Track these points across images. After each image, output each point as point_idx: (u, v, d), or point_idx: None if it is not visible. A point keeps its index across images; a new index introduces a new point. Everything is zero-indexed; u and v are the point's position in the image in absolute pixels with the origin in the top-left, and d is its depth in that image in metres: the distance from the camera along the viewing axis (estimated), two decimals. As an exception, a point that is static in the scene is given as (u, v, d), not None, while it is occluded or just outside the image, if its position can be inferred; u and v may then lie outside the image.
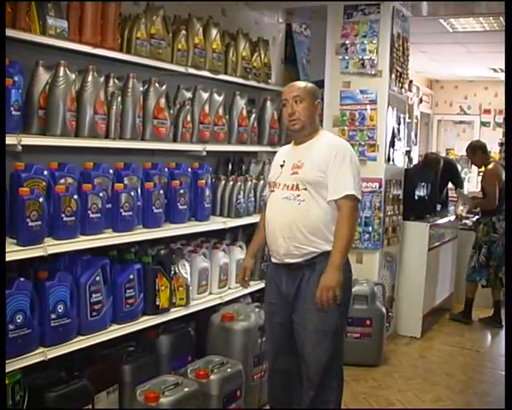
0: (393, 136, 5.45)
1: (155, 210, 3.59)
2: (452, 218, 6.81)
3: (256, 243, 3.59)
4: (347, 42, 5.28)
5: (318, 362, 3.15)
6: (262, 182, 4.62)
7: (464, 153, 8.66)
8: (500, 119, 11.04)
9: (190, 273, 3.85)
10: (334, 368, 3.21)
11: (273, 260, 3.29)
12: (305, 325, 3.14)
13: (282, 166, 3.22)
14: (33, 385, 2.98)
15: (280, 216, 3.16)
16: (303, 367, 3.23)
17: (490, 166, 6.37)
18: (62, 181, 3.18)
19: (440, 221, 6.44)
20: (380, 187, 5.27)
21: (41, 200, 2.90)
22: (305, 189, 3.08)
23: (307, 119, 3.20)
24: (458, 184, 7.38)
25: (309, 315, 3.12)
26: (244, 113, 4.58)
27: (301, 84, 3.33)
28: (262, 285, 4.62)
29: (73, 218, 3.07)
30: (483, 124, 11.60)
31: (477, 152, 6.47)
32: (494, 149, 10.60)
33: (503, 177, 6.26)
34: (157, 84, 3.75)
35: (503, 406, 2.37)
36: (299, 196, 3.10)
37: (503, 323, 6.29)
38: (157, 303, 3.60)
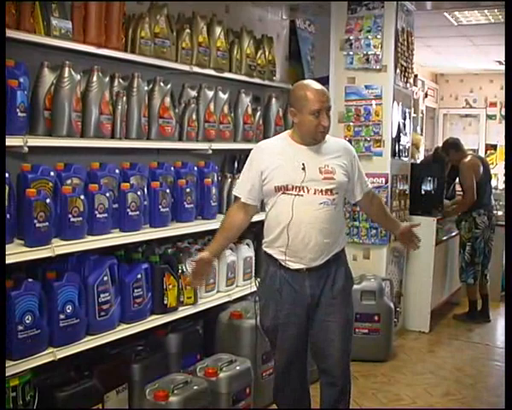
0: (399, 131, 5.44)
1: (162, 209, 3.59)
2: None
3: (221, 245, 3.30)
4: (352, 37, 5.27)
5: (347, 353, 3.17)
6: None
7: (471, 147, 8.64)
8: (506, 111, 10.98)
9: (198, 272, 3.85)
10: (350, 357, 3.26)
11: (293, 266, 3.07)
12: (334, 319, 3.08)
13: (303, 169, 3.00)
14: (43, 385, 3.00)
15: (319, 222, 3.01)
16: (328, 364, 3.13)
17: (465, 160, 6.23)
18: (69, 182, 3.19)
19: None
20: (386, 182, 5.26)
21: (48, 201, 2.91)
22: (337, 193, 3.05)
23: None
24: None
25: (337, 307, 3.10)
26: (249, 110, 4.58)
27: (326, 91, 3.10)
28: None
29: (80, 218, 3.08)
30: (489, 117, 11.55)
31: (450, 151, 6.34)
32: (501, 143, 10.59)
33: (481, 169, 6.23)
34: (162, 84, 3.76)
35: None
36: (334, 200, 3.03)
37: (490, 318, 6.32)
38: (165, 302, 3.61)
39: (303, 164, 3.00)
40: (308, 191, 3.00)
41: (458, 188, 7.11)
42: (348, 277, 3.20)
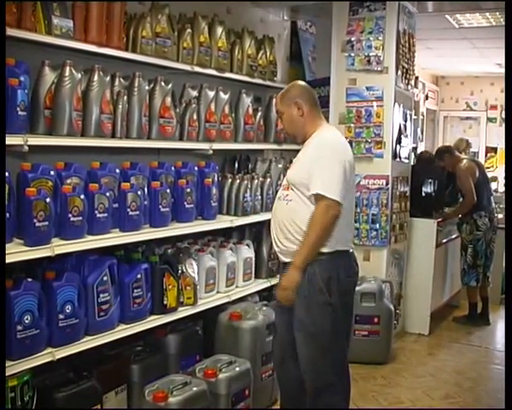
0: (400, 132, 5.43)
1: (162, 209, 3.58)
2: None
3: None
4: (353, 39, 5.26)
5: (310, 364, 3.10)
6: (269, 180, 4.62)
7: (471, 149, 8.63)
8: (507, 114, 10.98)
9: (198, 272, 3.84)
10: (333, 369, 3.12)
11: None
12: (296, 327, 3.12)
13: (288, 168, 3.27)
14: (42, 386, 2.98)
15: (274, 215, 3.22)
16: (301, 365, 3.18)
17: (460, 165, 6.27)
18: (69, 181, 3.18)
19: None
20: (387, 184, 5.25)
21: (48, 200, 2.89)
22: (292, 189, 3.09)
23: (293, 127, 3.24)
24: None
25: (299, 317, 3.09)
26: (250, 111, 4.56)
27: (280, 95, 3.30)
28: (269, 284, 4.62)
29: (80, 218, 3.06)
30: (489, 120, 11.56)
31: (444, 156, 6.36)
32: (501, 146, 10.59)
33: (477, 172, 6.25)
34: (163, 83, 3.75)
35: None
36: (287, 195, 3.12)
37: (490, 321, 6.33)
38: (165, 303, 3.60)
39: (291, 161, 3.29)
40: (282, 188, 3.23)
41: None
42: (315, 291, 3.01)
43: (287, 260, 3.13)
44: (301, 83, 3.38)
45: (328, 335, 3.06)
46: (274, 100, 3.42)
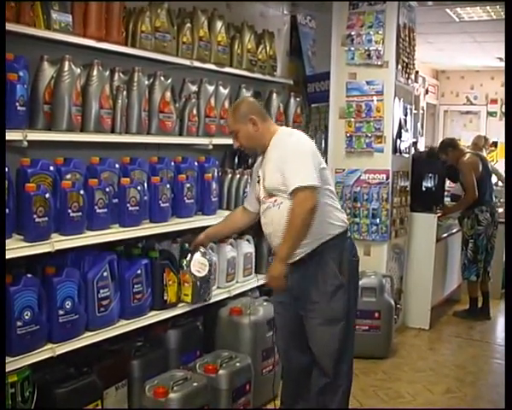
0: (400, 127, 5.41)
1: (162, 204, 3.57)
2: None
3: (215, 229, 3.72)
4: (353, 33, 5.25)
5: (330, 351, 3.19)
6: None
7: (471, 143, 8.63)
8: (507, 108, 10.96)
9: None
10: (345, 354, 3.24)
11: None
12: (314, 316, 3.18)
13: (258, 181, 3.29)
14: (42, 381, 2.97)
15: (269, 224, 3.23)
16: (313, 357, 3.26)
17: (464, 158, 6.25)
18: (68, 176, 3.17)
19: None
20: (387, 178, 5.24)
21: (47, 195, 2.88)
22: (276, 194, 3.14)
23: (252, 143, 3.28)
24: None
25: (317, 306, 3.16)
26: (250, 105, 4.54)
27: (230, 114, 3.35)
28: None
29: (80, 213, 3.05)
30: (490, 114, 11.54)
31: (448, 150, 6.33)
32: (501, 140, 10.57)
33: (480, 167, 6.23)
34: (162, 78, 3.74)
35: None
36: (276, 201, 3.15)
37: (491, 315, 6.33)
38: (165, 298, 3.59)
39: (258, 177, 3.30)
40: (262, 199, 3.27)
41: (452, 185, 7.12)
42: (330, 275, 3.13)
43: (293, 259, 3.15)
44: (248, 98, 3.49)
45: (344, 320, 3.19)
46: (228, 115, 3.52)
